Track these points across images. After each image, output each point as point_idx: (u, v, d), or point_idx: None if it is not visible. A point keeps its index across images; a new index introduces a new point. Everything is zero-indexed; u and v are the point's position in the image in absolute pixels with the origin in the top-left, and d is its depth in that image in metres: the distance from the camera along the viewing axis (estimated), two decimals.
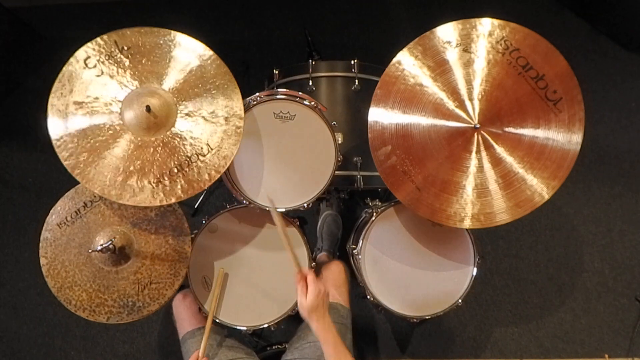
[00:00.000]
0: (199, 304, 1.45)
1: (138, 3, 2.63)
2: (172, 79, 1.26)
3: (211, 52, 1.28)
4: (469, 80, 1.26)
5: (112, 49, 1.24)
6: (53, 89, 1.21)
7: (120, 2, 2.65)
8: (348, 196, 2.18)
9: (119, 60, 1.24)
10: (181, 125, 1.24)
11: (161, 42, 1.26)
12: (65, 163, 1.19)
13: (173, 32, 1.27)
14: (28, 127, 2.44)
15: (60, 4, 2.66)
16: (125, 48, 1.24)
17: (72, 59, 1.23)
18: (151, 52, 1.25)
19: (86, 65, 1.22)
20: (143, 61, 1.25)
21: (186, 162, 1.24)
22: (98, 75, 1.22)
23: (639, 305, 2.14)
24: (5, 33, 2.38)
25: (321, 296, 1.18)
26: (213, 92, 1.26)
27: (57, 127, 1.21)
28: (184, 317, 1.49)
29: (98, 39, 1.24)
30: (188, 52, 1.27)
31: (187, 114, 1.25)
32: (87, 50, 1.23)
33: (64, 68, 1.22)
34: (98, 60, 1.23)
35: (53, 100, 1.21)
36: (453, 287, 1.51)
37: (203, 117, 1.25)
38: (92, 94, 1.22)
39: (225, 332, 1.49)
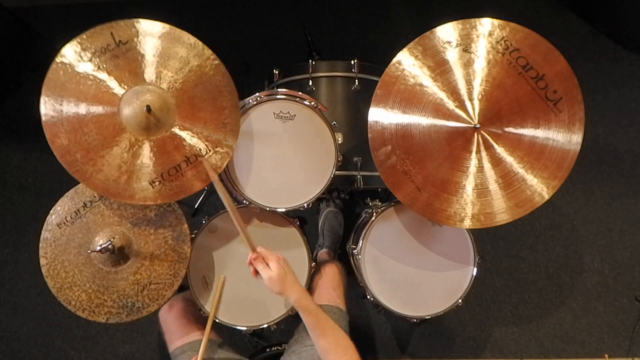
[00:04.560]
0: (199, 305, 1.44)
1: (138, 3, 2.63)
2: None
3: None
4: (469, 80, 1.26)
5: (109, 42, 1.20)
6: (45, 82, 1.16)
7: (121, 2, 2.65)
8: (348, 196, 2.18)
9: (116, 54, 1.20)
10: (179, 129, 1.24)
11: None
12: (60, 160, 1.18)
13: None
14: (28, 127, 2.43)
15: (60, 4, 2.66)
16: (123, 42, 1.21)
17: (64, 51, 1.17)
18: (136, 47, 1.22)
19: (80, 58, 1.18)
20: (139, 58, 1.22)
21: (185, 161, 1.24)
22: (94, 70, 1.19)
23: (639, 305, 2.14)
24: (5, 33, 2.37)
25: (282, 262, 1.16)
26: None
27: (52, 122, 1.17)
28: (172, 331, 1.45)
29: (92, 29, 1.19)
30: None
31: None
32: (80, 43, 1.18)
33: (57, 59, 1.17)
34: (93, 54, 1.19)
35: (46, 98, 1.17)
36: (453, 287, 1.51)
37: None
38: (88, 89, 1.18)
39: (218, 343, 1.46)
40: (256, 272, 1.17)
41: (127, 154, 1.21)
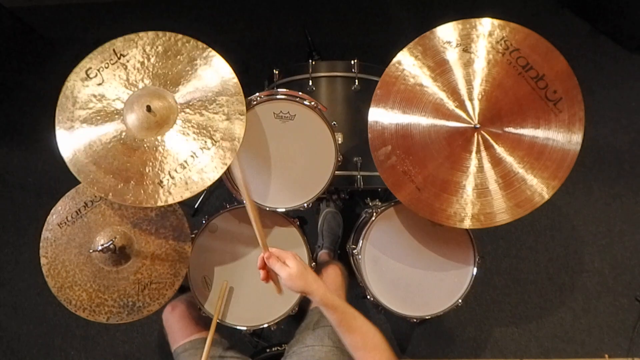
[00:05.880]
0: (199, 305, 1.45)
1: (138, 3, 2.63)
2: (186, 91, 1.25)
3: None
4: (469, 80, 1.26)
5: (111, 57, 1.24)
6: (58, 105, 1.21)
7: (120, 2, 2.65)
8: (348, 196, 2.18)
9: (116, 67, 1.23)
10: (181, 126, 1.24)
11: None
12: (78, 177, 1.20)
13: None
14: (28, 127, 2.44)
15: (60, 4, 2.66)
16: (124, 54, 1.24)
17: (73, 74, 1.23)
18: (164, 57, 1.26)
19: (87, 76, 1.23)
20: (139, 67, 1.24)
21: (192, 157, 1.24)
22: (99, 84, 1.22)
23: (639, 305, 2.14)
24: (5, 33, 2.38)
25: (299, 258, 1.10)
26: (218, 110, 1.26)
27: (67, 145, 1.21)
28: (175, 330, 1.47)
29: (106, 46, 1.25)
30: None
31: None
32: (88, 62, 1.23)
33: (67, 84, 1.22)
34: (99, 70, 1.23)
35: (59, 116, 1.21)
36: (453, 287, 1.51)
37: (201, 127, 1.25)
38: (95, 105, 1.22)
39: (225, 345, 1.47)
40: (267, 278, 1.13)
41: (132, 156, 1.21)
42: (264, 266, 1.11)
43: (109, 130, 1.21)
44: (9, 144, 2.45)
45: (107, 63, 1.24)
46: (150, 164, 1.21)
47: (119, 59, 1.24)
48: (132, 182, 1.20)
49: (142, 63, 1.25)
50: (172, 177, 1.21)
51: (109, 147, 1.21)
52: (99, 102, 1.22)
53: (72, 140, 1.21)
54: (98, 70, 1.23)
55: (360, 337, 1.08)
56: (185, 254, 1.37)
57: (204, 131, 1.22)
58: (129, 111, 1.21)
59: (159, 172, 1.21)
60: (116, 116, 1.22)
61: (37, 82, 2.49)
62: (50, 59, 2.48)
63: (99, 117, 1.22)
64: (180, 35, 1.26)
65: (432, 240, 1.52)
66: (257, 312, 1.47)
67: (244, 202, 1.14)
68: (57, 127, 1.21)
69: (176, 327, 1.47)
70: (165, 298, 1.35)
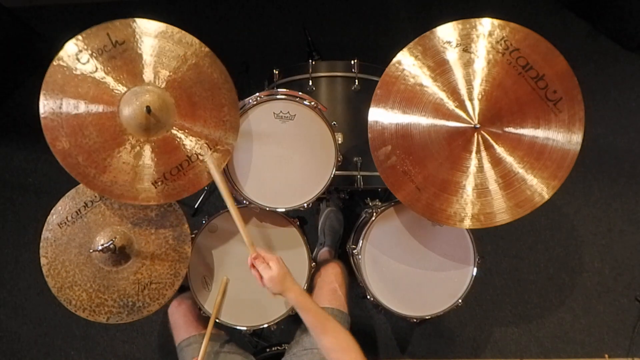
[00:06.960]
0: (199, 304, 1.45)
1: (138, 3, 2.63)
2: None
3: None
4: (469, 80, 1.26)
5: (105, 43, 1.19)
6: (43, 87, 1.16)
7: (121, 2, 2.65)
8: (348, 196, 2.18)
9: (113, 55, 1.19)
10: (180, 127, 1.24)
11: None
12: (62, 163, 1.18)
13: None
14: (28, 127, 2.43)
15: (60, 4, 2.66)
16: (120, 42, 1.20)
17: (61, 53, 1.17)
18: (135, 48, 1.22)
19: (78, 60, 1.17)
20: (136, 58, 1.22)
21: (186, 161, 1.24)
22: (92, 72, 1.18)
23: (639, 305, 2.14)
24: (5, 33, 2.38)
25: (282, 262, 1.19)
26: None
27: (51, 125, 1.17)
28: (180, 325, 1.48)
29: (88, 30, 1.18)
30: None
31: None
32: (77, 44, 1.18)
33: (55, 61, 1.16)
34: (91, 55, 1.18)
35: (45, 99, 1.16)
36: (453, 287, 1.51)
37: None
38: (86, 91, 1.18)
39: (224, 339, 1.48)
40: (261, 276, 1.19)
41: (128, 155, 1.21)
42: (254, 266, 1.20)
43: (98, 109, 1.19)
44: (9, 144, 2.45)
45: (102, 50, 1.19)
46: (146, 162, 1.21)
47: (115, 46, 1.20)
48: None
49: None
50: (167, 178, 1.22)
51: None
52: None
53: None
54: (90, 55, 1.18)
55: (334, 338, 1.15)
56: (185, 254, 1.37)
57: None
58: (126, 106, 1.19)
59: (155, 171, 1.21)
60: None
61: (37, 82, 2.49)
62: (50, 59, 2.48)
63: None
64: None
65: (432, 240, 1.52)
66: (257, 312, 1.47)
67: (226, 204, 1.19)
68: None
69: (181, 322, 1.48)
70: (165, 298, 1.35)
